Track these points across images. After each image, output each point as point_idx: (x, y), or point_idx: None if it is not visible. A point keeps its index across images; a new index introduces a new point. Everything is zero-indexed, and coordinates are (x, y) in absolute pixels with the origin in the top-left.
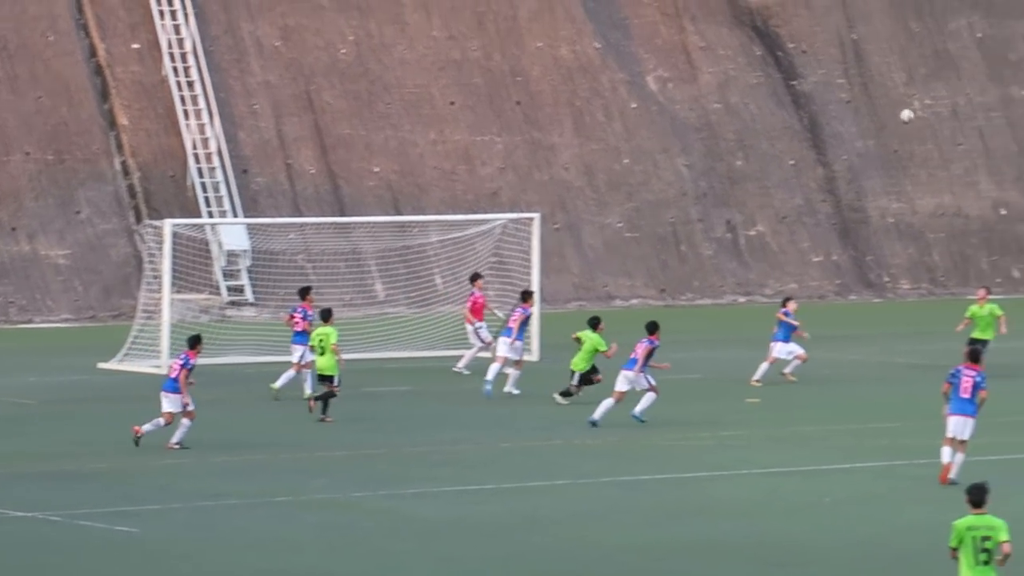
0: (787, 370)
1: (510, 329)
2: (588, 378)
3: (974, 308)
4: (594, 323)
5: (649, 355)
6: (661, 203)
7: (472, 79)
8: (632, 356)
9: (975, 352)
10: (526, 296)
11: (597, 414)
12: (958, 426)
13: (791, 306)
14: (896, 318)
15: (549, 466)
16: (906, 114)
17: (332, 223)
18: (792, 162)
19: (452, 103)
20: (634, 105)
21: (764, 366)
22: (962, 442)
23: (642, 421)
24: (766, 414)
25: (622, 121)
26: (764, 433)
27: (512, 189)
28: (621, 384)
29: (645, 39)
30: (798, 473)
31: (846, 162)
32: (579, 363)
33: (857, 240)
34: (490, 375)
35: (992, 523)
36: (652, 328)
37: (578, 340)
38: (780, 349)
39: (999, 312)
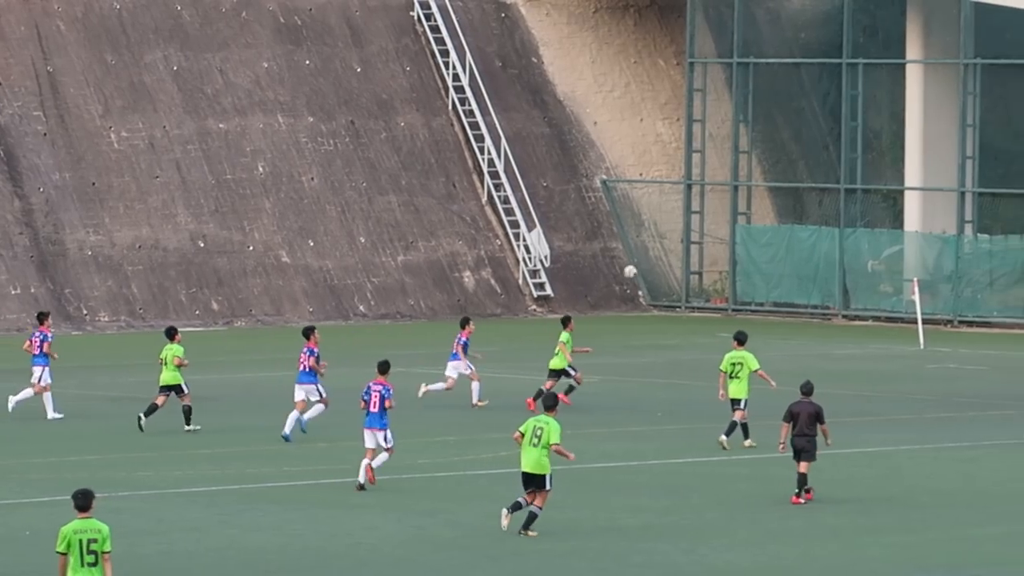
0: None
1: None
2: None
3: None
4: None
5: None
6: None
7: None
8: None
9: (383, 364)
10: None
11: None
12: (372, 438)
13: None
14: (95, 351)
15: None
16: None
17: None
18: None
19: None
20: None
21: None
22: (387, 450)
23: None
24: None
25: None
26: None
27: None
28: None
29: None
30: None
31: (43, 195)
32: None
33: (56, 273)
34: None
35: (98, 526)
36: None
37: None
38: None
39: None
